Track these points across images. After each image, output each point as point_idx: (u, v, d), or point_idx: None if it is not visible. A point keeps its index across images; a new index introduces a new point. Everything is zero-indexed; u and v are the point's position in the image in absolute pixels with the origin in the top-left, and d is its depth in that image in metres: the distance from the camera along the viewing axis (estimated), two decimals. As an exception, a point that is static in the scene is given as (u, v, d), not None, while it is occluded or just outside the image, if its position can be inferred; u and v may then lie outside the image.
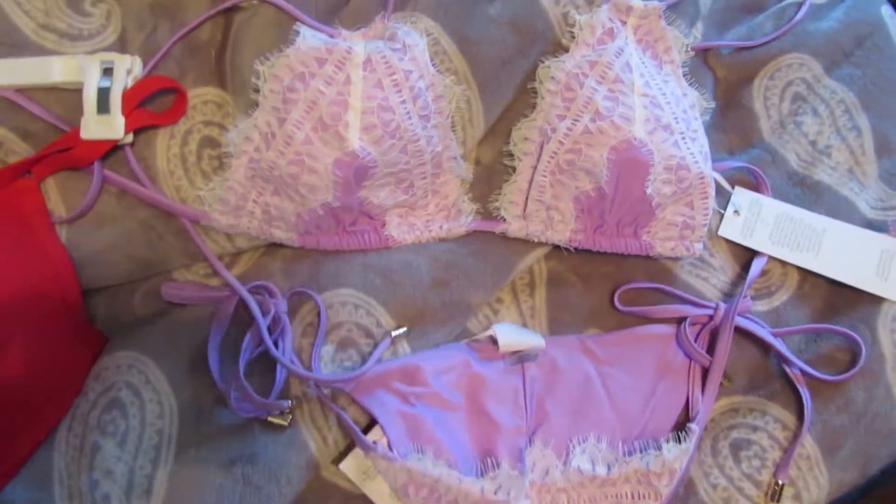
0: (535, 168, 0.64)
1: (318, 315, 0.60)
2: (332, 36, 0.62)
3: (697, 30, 0.74)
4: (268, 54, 0.60)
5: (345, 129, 0.58)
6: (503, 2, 0.64)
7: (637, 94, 0.63)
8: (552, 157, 0.62)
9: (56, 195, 0.62)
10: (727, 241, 0.69)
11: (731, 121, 0.74)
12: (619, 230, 0.65)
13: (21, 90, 0.62)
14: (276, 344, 0.59)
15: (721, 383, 0.62)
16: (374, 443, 0.56)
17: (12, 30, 0.62)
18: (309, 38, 0.59)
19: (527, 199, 0.64)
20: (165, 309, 0.63)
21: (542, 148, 0.63)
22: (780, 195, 0.70)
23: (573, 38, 0.65)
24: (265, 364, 0.60)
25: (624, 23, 0.66)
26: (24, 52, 0.62)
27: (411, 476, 0.55)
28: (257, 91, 0.60)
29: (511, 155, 0.65)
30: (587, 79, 0.63)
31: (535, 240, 0.65)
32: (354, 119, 0.58)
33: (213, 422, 0.58)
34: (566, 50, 0.65)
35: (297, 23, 0.61)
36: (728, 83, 0.75)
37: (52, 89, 0.62)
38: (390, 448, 0.56)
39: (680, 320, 0.65)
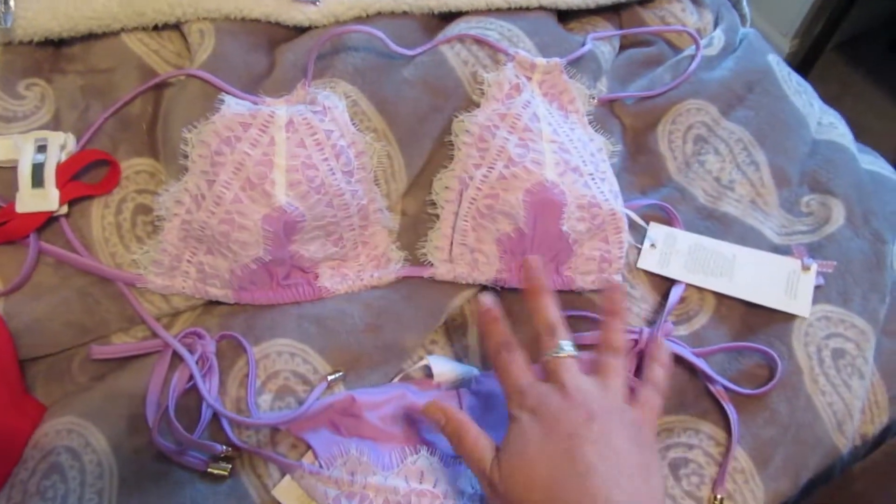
0: (456, 214, 0.67)
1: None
2: (255, 104, 0.66)
3: (602, 83, 0.81)
4: (195, 123, 0.64)
5: (271, 187, 0.61)
6: (415, 65, 0.70)
7: (546, 140, 0.67)
8: (472, 203, 0.66)
9: (-7, 268, 0.64)
10: (646, 272, 0.73)
11: (640, 164, 0.79)
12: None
13: (-43, 170, 0.64)
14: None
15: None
16: (300, 462, 0.57)
17: (-51, 114, 0.65)
18: (233, 105, 0.63)
19: (451, 243, 0.68)
20: (104, 373, 0.64)
21: (461, 195, 0.67)
22: (691, 228, 0.75)
23: (483, 94, 0.70)
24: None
25: (529, 78, 0.71)
26: (-40, 135, 0.65)
27: (340, 487, 0.56)
28: (186, 157, 0.63)
29: (434, 204, 0.69)
30: (499, 129, 0.68)
31: (463, 281, 0.68)
32: (280, 176, 0.61)
33: (153, 478, 0.58)
34: (477, 105, 0.70)
35: (222, 94, 0.65)
36: (635, 130, 0.81)
37: (-11, 168, 0.65)
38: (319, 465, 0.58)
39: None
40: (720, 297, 0.72)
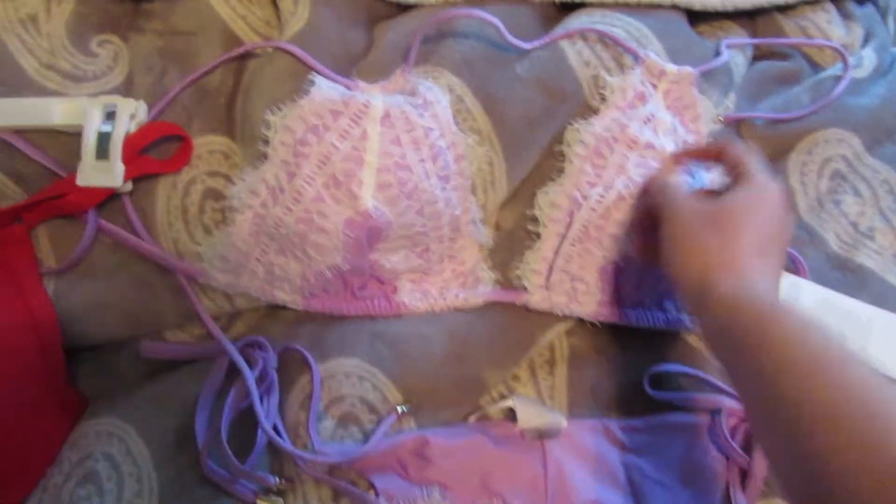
0: (562, 236, 0.59)
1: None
2: (348, 88, 0.59)
3: (730, 100, 0.71)
4: (280, 104, 0.56)
5: (358, 187, 0.54)
6: (531, 60, 0.61)
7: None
8: (584, 227, 0.58)
9: (46, 243, 0.58)
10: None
11: (765, 195, 0.70)
12: (648, 303, 0.60)
13: (19, 131, 0.58)
14: (260, 400, 0.54)
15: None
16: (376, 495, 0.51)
17: (15, 69, 0.59)
18: (324, 88, 0.55)
19: (551, 268, 0.60)
20: (154, 371, 0.58)
21: (571, 215, 0.59)
22: (819, 278, 0.65)
23: (603, 100, 0.62)
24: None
25: (655, 87, 0.62)
26: (25, 92, 0.58)
27: None
28: (267, 143, 0.56)
29: (535, 220, 0.61)
30: (617, 144, 0.59)
31: (559, 313, 0.60)
32: (369, 176, 0.54)
33: (196, 504, 0.53)
34: (595, 112, 0.62)
35: (313, 73, 0.58)
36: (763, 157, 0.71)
37: (51, 132, 0.58)
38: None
39: (714, 411, 0.59)
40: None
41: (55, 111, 0.57)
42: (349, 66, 0.60)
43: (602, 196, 0.58)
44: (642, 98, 0.61)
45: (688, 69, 0.63)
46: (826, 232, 0.68)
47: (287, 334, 0.58)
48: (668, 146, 0.59)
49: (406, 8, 0.63)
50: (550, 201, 0.60)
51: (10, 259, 0.56)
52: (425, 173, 0.56)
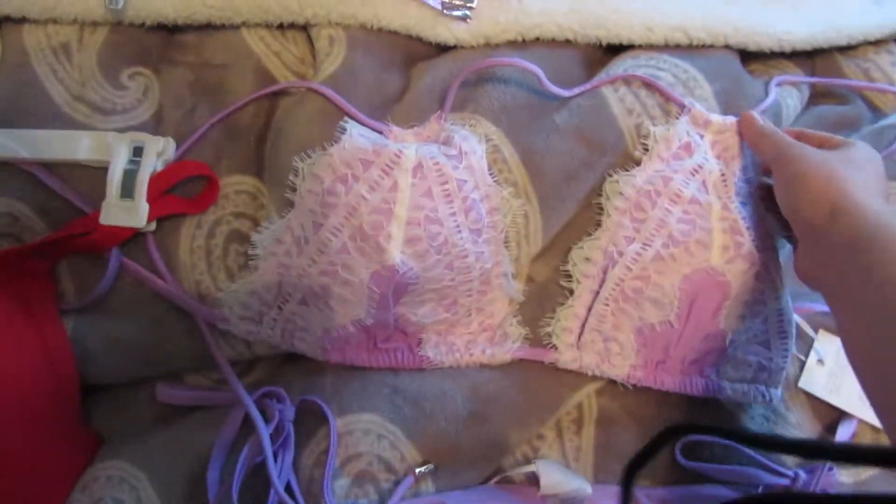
0: (595, 293, 0.57)
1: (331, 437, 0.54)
2: (382, 132, 0.56)
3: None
4: (310, 149, 0.55)
5: (386, 241, 0.52)
6: (570, 109, 0.58)
7: (715, 217, 0.56)
8: (618, 284, 0.56)
9: (69, 278, 0.58)
10: (808, 394, 0.61)
11: (816, 252, 0.66)
12: (685, 367, 0.57)
13: (46, 164, 0.57)
14: (274, 459, 0.52)
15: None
16: None
17: (45, 99, 0.58)
18: (356, 136, 0.53)
19: (583, 326, 0.57)
20: (169, 415, 0.57)
21: (605, 272, 0.56)
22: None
23: (646, 150, 0.58)
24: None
25: (702, 136, 0.59)
26: (53, 123, 0.58)
27: None
28: (294, 190, 0.54)
29: (568, 275, 0.58)
30: (660, 198, 0.56)
31: (589, 373, 0.58)
32: (398, 230, 0.52)
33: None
34: (637, 163, 0.59)
35: (345, 117, 0.56)
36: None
37: (79, 166, 0.57)
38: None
39: (748, 485, 0.56)
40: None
41: (82, 145, 0.56)
42: (384, 110, 0.58)
43: (639, 254, 0.55)
44: (688, 149, 0.58)
45: (732, 119, 0.60)
46: (879, 294, 0.64)
47: (306, 384, 0.56)
48: (716, 202, 0.56)
49: (445, 49, 0.60)
50: (585, 256, 0.57)
51: (30, 295, 0.55)
52: (457, 227, 0.54)
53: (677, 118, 0.60)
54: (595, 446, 0.59)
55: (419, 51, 0.61)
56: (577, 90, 0.58)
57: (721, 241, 0.55)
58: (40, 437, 0.54)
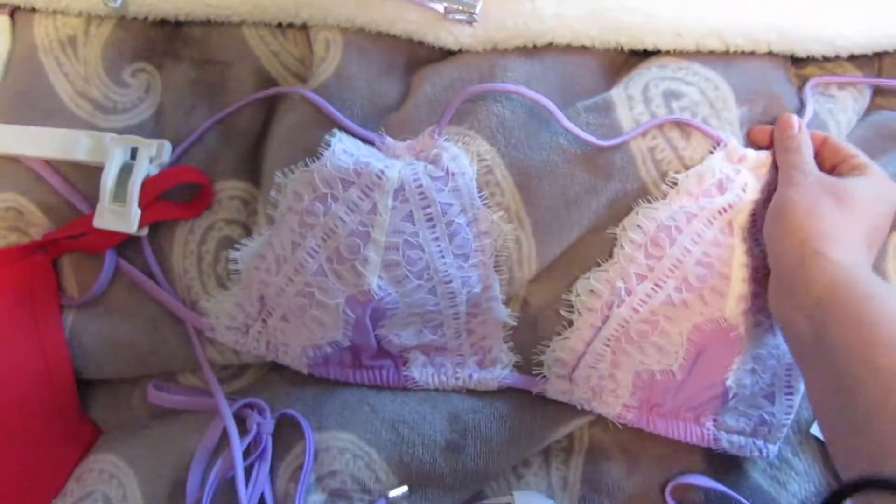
0: (597, 329, 0.53)
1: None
2: (374, 143, 0.54)
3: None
4: (295, 162, 0.53)
5: (363, 265, 0.50)
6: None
7: (737, 263, 0.51)
8: (622, 325, 0.52)
9: (70, 273, 0.59)
10: (819, 441, 0.56)
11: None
12: (681, 413, 0.54)
13: (49, 162, 0.58)
14: (249, 469, 0.53)
15: None
16: None
17: (51, 94, 0.58)
18: (338, 153, 0.51)
19: (579, 361, 0.54)
20: (164, 412, 0.59)
21: (610, 308, 0.53)
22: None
23: (674, 185, 0.54)
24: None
25: (738, 172, 0.53)
26: (57, 118, 0.58)
27: None
28: (276, 206, 0.53)
29: (570, 305, 0.55)
30: (680, 235, 0.52)
31: (579, 407, 0.55)
32: (375, 254, 0.50)
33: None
34: (655, 194, 0.54)
35: (334, 129, 0.54)
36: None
37: (80, 164, 0.58)
38: None
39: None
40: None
41: (81, 146, 0.57)
42: (378, 119, 0.56)
43: (649, 295, 0.51)
44: (720, 187, 0.53)
45: (767, 153, 0.54)
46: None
47: (289, 394, 0.56)
48: (739, 246, 0.51)
49: (448, 54, 0.57)
50: (590, 288, 0.54)
51: (32, 288, 0.57)
52: (440, 252, 0.51)
53: (712, 154, 0.54)
54: (583, 479, 0.57)
55: (422, 54, 0.57)
56: (601, 142, 0.53)
57: (739, 291, 0.51)
58: (36, 427, 0.56)
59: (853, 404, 0.39)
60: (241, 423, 0.55)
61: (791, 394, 0.53)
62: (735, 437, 0.54)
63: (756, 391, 0.53)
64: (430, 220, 0.51)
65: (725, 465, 0.56)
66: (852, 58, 0.61)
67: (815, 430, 0.56)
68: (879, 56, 0.63)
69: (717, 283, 0.51)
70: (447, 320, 0.54)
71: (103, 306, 0.58)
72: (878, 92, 0.63)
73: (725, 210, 0.52)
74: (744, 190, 0.53)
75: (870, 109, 0.63)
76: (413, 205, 0.51)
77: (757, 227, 0.53)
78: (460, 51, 0.56)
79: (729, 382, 0.51)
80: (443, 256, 0.51)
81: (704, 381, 0.52)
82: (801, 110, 0.57)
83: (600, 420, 0.57)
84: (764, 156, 0.54)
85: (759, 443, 0.54)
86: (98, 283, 0.57)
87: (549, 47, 0.56)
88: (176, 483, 0.55)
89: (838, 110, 0.59)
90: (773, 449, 0.54)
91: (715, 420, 0.54)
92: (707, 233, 0.51)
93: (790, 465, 0.56)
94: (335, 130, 0.53)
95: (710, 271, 0.51)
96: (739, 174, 0.53)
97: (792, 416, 0.54)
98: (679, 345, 0.51)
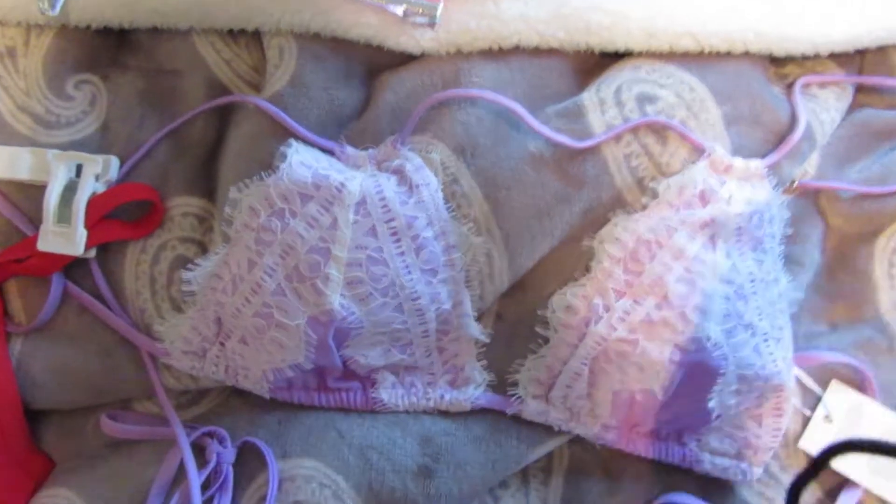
0: (574, 347, 0.51)
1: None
2: (333, 153, 0.51)
3: (811, 162, 0.58)
4: (250, 176, 0.50)
5: (324, 283, 0.47)
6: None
7: (719, 279, 0.48)
8: (598, 344, 0.49)
9: (16, 298, 0.56)
10: (807, 454, 0.54)
11: (839, 285, 0.58)
12: (663, 433, 0.52)
13: (-10, 180, 0.55)
14: (210, 501, 0.50)
15: None
16: None
17: (-10, 109, 0.55)
18: (295, 165, 0.48)
19: (555, 380, 0.52)
20: (119, 443, 0.55)
21: (587, 325, 0.50)
22: (893, 401, 0.54)
23: (655, 195, 0.51)
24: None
25: (723, 183, 0.51)
26: (-2, 134, 0.55)
27: None
28: (230, 223, 0.50)
29: (545, 321, 0.52)
30: (661, 250, 0.49)
31: (556, 428, 0.52)
32: (336, 272, 0.47)
33: None
34: (634, 205, 0.52)
35: (290, 139, 0.51)
36: (842, 236, 0.59)
37: (23, 183, 0.54)
38: None
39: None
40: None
41: (22, 163, 0.53)
42: (337, 129, 0.53)
43: (627, 312, 0.49)
44: (703, 198, 0.50)
45: (756, 162, 0.52)
46: (911, 338, 0.56)
47: (253, 420, 0.53)
48: (723, 261, 0.49)
49: (410, 58, 0.54)
50: (566, 304, 0.51)
51: (-24, 316, 0.54)
52: (406, 267, 0.49)
53: (695, 164, 0.52)
54: (563, 499, 0.54)
55: (382, 60, 0.54)
56: (575, 143, 0.51)
57: (722, 308, 0.48)
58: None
59: None
60: (201, 452, 0.52)
61: (780, 416, 0.51)
62: (718, 459, 0.52)
63: (742, 412, 0.50)
64: (395, 234, 0.48)
65: (712, 482, 0.54)
66: (832, 55, 0.59)
67: (806, 443, 0.54)
68: (861, 53, 0.60)
69: (699, 301, 0.48)
70: (416, 339, 0.51)
71: (52, 332, 0.55)
72: (860, 90, 0.61)
73: (708, 224, 0.49)
74: (728, 203, 0.50)
75: (853, 107, 0.61)
76: (376, 219, 0.48)
77: (742, 239, 0.50)
78: (422, 55, 0.53)
79: (712, 404, 0.49)
80: (409, 272, 0.49)
81: (687, 402, 0.50)
82: (792, 118, 0.55)
83: (581, 437, 0.54)
84: (753, 165, 0.51)
85: (744, 465, 0.52)
86: (45, 309, 0.53)
87: (516, 50, 0.53)
88: (132, 518, 0.52)
89: (821, 110, 0.57)
90: (757, 472, 0.52)
91: (699, 441, 0.52)
92: (689, 248, 0.49)
93: (778, 481, 0.54)
94: (291, 141, 0.50)
95: (691, 288, 0.48)
96: (724, 185, 0.50)
97: (779, 439, 0.51)
98: (662, 366, 0.48)
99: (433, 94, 0.51)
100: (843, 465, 0.53)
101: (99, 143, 0.55)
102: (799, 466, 0.54)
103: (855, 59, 0.60)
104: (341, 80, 0.54)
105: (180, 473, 0.52)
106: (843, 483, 0.53)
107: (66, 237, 0.52)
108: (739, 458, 0.51)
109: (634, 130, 0.51)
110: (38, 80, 0.55)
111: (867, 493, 0.53)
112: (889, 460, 0.50)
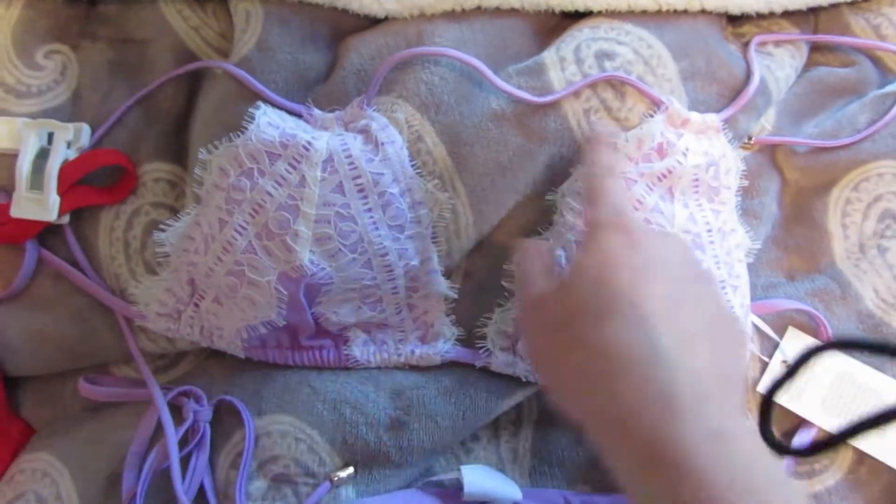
0: None
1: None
2: (300, 115, 0.52)
3: (768, 118, 0.60)
4: (222, 136, 0.51)
5: (294, 240, 0.48)
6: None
7: (677, 229, 0.50)
8: None
9: (-10, 266, 0.56)
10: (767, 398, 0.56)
11: (795, 236, 0.60)
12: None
13: (-38, 151, 0.55)
14: (187, 458, 0.51)
15: None
16: None
17: (-41, 80, 0.56)
18: (263, 126, 0.50)
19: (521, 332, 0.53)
20: (98, 405, 0.56)
21: None
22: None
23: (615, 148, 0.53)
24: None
25: (680, 136, 0.53)
26: (-30, 105, 0.55)
27: None
28: (201, 184, 0.51)
29: (511, 275, 0.54)
30: None
31: (524, 379, 0.54)
32: (305, 228, 0.48)
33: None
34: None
35: (258, 102, 0.52)
36: (798, 189, 0.61)
37: (-5, 152, 0.55)
38: None
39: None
40: (861, 454, 0.55)
41: (-4, 133, 0.54)
42: (304, 91, 0.54)
43: None
44: (661, 151, 0.52)
45: (712, 116, 0.54)
46: (863, 286, 0.58)
47: (229, 380, 0.55)
48: (681, 211, 0.51)
49: (375, 21, 0.55)
50: None
51: (-50, 284, 0.55)
52: (373, 223, 0.50)
53: (652, 117, 0.53)
54: (533, 449, 0.56)
55: (347, 23, 0.55)
56: (535, 99, 0.52)
57: None
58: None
59: None
60: (178, 412, 0.53)
61: (736, 352, 0.53)
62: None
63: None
64: (362, 190, 0.49)
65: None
66: (787, 14, 0.61)
67: (764, 387, 0.56)
68: (815, 11, 0.62)
69: None
70: (386, 295, 0.53)
71: (27, 299, 0.55)
72: (815, 48, 0.63)
73: (665, 175, 0.51)
74: (685, 155, 0.52)
75: (808, 66, 0.63)
76: (343, 176, 0.49)
77: (700, 190, 0.52)
78: (386, 18, 0.55)
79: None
80: (377, 228, 0.50)
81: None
82: (747, 74, 0.56)
83: (549, 389, 0.56)
84: (710, 119, 0.53)
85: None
86: (20, 276, 0.54)
87: (478, 11, 0.55)
88: (112, 477, 0.53)
89: (777, 67, 0.59)
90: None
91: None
92: (647, 199, 0.51)
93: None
94: (259, 103, 0.51)
95: None
96: (682, 139, 0.52)
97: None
98: None
99: (396, 53, 0.52)
100: (800, 406, 0.55)
101: (70, 112, 0.56)
102: (757, 409, 0.56)
103: (809, 19, 0.62)
104: (307, 43, 0.55)
105: (157, 433, 0.53)
106: (800, 423, 0.55)
107: (39, 203, 0.52)
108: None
109: (593, 86, 0.53)
110: (8, 50, 0.56)
111: (820, 430, 0.55)
112: (841, 398, 0.53)
